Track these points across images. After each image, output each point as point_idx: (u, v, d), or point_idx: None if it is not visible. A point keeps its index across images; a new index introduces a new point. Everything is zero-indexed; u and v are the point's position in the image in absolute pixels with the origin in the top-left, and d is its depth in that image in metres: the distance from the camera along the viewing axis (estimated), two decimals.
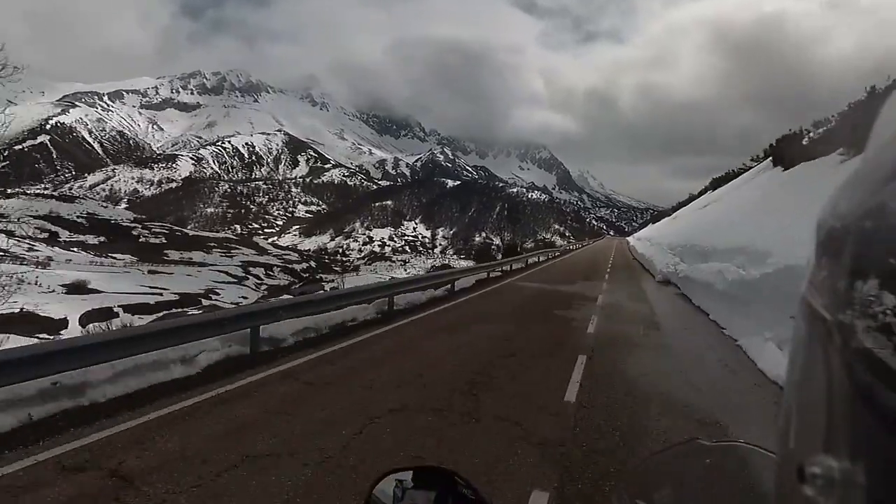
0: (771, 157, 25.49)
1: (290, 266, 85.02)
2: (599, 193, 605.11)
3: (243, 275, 67.30)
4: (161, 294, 40.75)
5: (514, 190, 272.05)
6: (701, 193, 50.15)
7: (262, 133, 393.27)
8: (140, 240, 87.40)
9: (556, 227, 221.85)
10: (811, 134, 21.67)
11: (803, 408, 0.26)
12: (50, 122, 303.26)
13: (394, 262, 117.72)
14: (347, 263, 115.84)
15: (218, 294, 48.03)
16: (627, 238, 71.94)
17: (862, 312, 0.22)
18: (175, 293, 41.76)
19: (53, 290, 38.12)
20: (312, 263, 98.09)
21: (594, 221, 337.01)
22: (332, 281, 61.51)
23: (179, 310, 31.72)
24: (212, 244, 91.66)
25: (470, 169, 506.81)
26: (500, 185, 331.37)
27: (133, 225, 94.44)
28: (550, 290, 13.39)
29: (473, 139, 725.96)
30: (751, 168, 33.88)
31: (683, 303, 11.46)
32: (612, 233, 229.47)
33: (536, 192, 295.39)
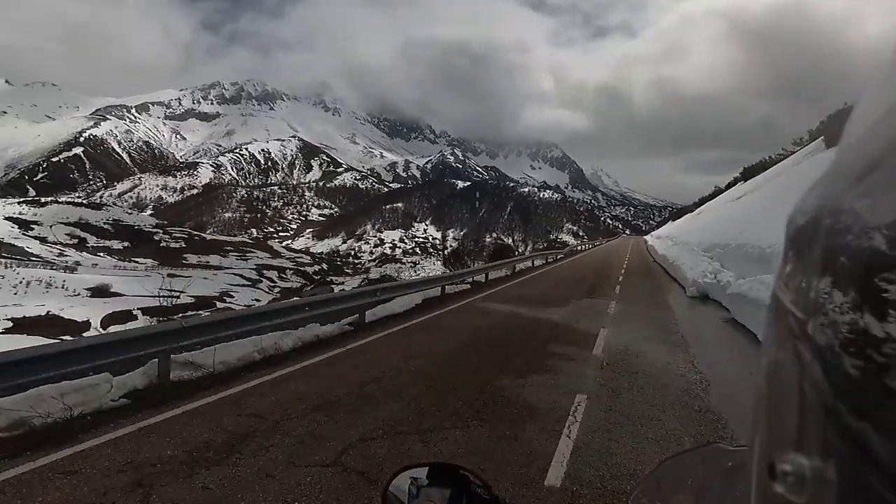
0: (823, 138, 22.56)
1: (302, 269, 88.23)
2: (614, 191, 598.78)
3: (257, 277, 69.79)
4: (178, 297, 44.20)
5: (526, 189, 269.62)
6: (729, 186, 47.74)
7: (278, 139, 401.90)
8: (161, 244, 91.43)
9: (570, 226, 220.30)
10: None
11: (774, 405, 0.26)
12: (84, 134, 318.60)
13: (404, 263, 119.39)
14: (359, 265, 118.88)
15: (232, 297, 48.62)
16: (645, 237, 68.37)
17: (819, 310, 0.22)
18: (192, 296, 42.34)
19: (78, 294, 40.18)
20: (324, 266, 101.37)
21: (609, 220, 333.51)
22: (343, 283, 63.64)
23: (194, 312, 31.60)
24: (228, 248, 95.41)
25: (480, 169, 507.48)
26: (511, 184, 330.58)
27: (154, 230, 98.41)
28: (525, 318, 8.64)
29: (483, 139, 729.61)
30: (793, 153, 31.42)
31: (746, 341, 7.42)
32: (628, 231, 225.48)
33: (549, 191, 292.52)
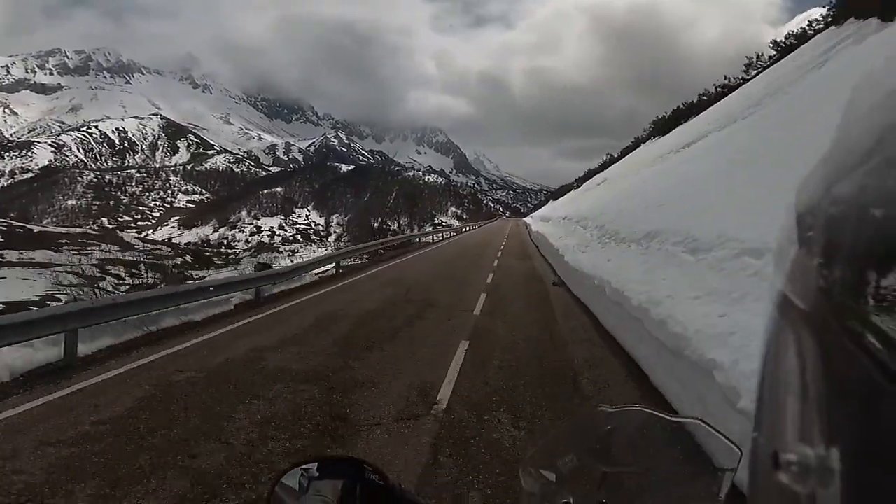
0: (877, 16, 12.61)
1: (159, 262, 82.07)
2: (495, 176, 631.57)
3: (99, 275, 64.54)
4: None
5: (412, 173, 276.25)
6: (626, 151, 41.60)
7: (136, 117, 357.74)
8: None
9: (454, 209, 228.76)
10: None
11: (777, 397, 0.26)
12: None
13: (281, 252, 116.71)
14: (231, 256, 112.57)
15: (60, 300, 46.76)
16: (525, 219, 60.82)
17: (821, 300, 0.22)
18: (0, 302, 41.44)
19: None
20: (188, 257, 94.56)
21: (491, 203, 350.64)
22: (206, 277, 61.16)
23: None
24: (63, 241, 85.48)
25: (366, 153, 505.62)
26: (397, 168, 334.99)
27: None
28: None
29: (369, 123, 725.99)
30: (746, 80, 23.49)
31: None
32: (507, 214, 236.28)
33: (434, 175, 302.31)
